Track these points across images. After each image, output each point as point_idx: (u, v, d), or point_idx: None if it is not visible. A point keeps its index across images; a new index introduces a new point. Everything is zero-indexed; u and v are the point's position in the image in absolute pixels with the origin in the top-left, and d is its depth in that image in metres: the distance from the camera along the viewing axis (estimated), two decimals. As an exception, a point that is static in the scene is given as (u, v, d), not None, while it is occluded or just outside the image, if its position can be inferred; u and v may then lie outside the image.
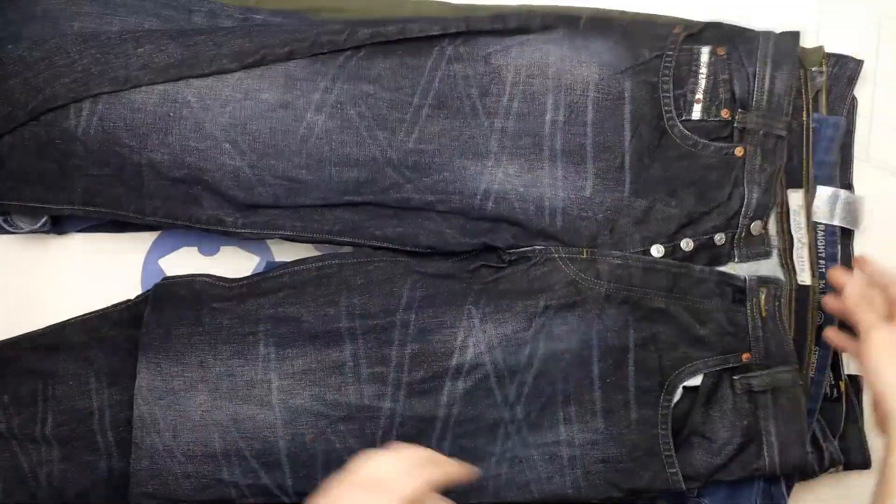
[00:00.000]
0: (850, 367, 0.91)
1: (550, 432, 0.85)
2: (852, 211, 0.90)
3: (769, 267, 0.87)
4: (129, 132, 0.84)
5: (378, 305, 0.85)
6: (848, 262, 0.93)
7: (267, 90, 0.84)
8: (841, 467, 0.90)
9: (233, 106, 0.84)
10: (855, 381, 0.93)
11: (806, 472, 0.88)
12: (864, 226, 0.93)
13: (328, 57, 0.85)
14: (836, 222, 0.90)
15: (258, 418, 0.85)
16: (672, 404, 0.85)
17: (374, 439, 0.85)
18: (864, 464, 0.92)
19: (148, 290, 0.89)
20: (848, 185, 0.93)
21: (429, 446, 0.82)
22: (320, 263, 0.87)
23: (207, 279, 0.88)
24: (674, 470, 0.84)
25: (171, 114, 0.84)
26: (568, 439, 0.85)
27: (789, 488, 0.89)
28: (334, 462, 0.84)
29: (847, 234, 0.93)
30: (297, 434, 0.85)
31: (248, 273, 0.92)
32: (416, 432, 0.85)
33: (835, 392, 0.90)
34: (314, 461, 0.85)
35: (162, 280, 0.89)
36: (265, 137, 0.84)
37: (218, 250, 0.94)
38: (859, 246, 0.94)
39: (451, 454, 0.83)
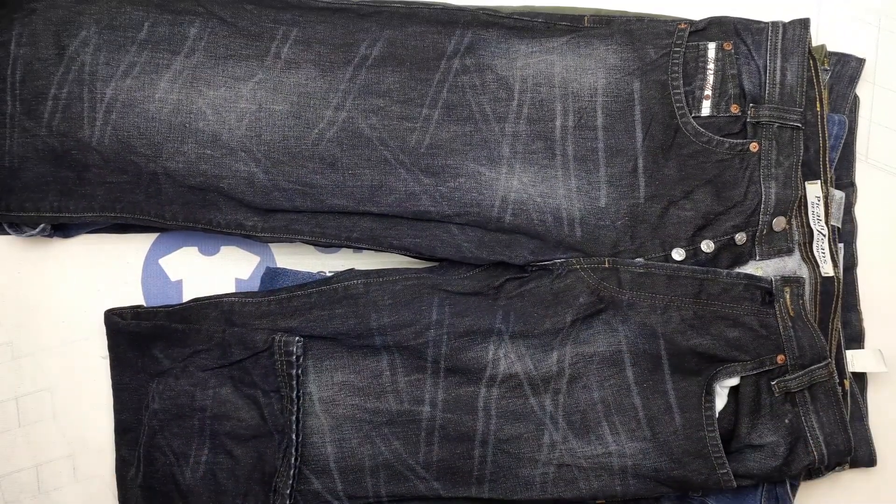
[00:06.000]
0: (854, 364, 0.91)
1: (599, 444, 0.85)
2: (841, 210, 0.91)
3: (793, 262, 0.86)
4: (144, 141, 0.84)
5: (408, 327, 0.85)
6: (850, 262, 0.93)
7: (280, 103, 0.85)
8: (847, 466, 0.90)
9: (249, 118, 0.84)
10: (860, 380, 0.93)
11: (841, 456, 0.86)
12: (859, 227, 0.94)
13: (339, 70, 0.85)
14: (832, 221, 0.89)
15: (305, 426, 0.86)
16: (714, 405, 0.84)
17: (418, 441, 0.85)
18: (871, 461, 0.92)
19: (182, 303, 0.89)
20: (850, 184, 0.93)
21: (472, 449, 0.85)
22: (346, 283, 0.87)
23: (234, 298, 0.88)
24: (724, 470, 0.84)
25: (187, 125, 0.84)
26: (618, 450, 0.85)
27: (794, 488, 0.89)
28: (381, 466, 0.85)
29: (848, 234, 0.93)
30: (344, 440, 0.86)
31: (249, 272, 0.93)
32: (458, 436, 0.85)
33: (840, 390, 0.89)
34: (362, 465, 0.85)
35: (189, 301, 0.89)
36: (279, 145, 0.85)
37: (218, 250, 0.94)
38: (860, 246, 0.94)
39: (495, 459, 0.85)
